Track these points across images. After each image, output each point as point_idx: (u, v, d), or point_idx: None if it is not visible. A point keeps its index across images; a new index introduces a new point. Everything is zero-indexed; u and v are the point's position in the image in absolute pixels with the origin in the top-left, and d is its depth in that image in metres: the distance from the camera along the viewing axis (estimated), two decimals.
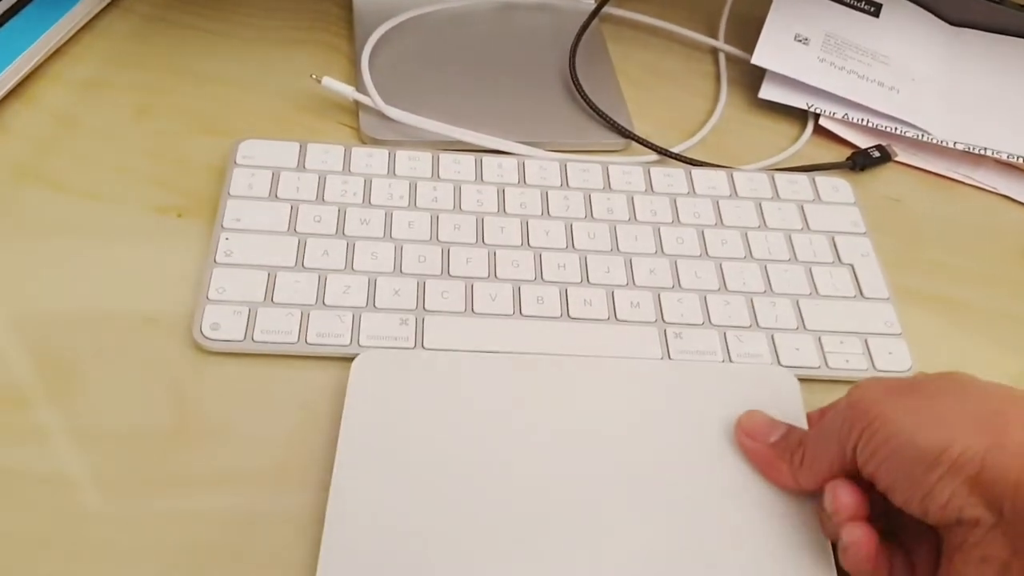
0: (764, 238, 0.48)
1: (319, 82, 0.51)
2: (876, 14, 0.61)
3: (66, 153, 0.48)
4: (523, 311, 0.43)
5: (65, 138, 0.49)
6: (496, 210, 0.47)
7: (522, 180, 0.48)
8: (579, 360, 0.40)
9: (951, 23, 0.62)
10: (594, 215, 0.47)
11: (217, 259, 0.42)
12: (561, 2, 0.61)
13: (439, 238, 0.45)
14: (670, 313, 0.44)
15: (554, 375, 0.39)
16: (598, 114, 0.53)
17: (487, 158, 0.49)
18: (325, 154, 0.48)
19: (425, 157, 0.49)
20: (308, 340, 0.40)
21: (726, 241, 0.47)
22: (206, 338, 0.40)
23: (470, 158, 0.49)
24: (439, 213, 0.46)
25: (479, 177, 0.48)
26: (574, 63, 0.56)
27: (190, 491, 0.36)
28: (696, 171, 0.51)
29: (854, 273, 0.47)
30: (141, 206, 0.46)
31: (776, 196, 0.50)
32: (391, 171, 0.48)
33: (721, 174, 0.51)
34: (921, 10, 0.62)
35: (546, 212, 0.47)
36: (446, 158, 0.49)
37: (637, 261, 0.46)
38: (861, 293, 0.46)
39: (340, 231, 0.45)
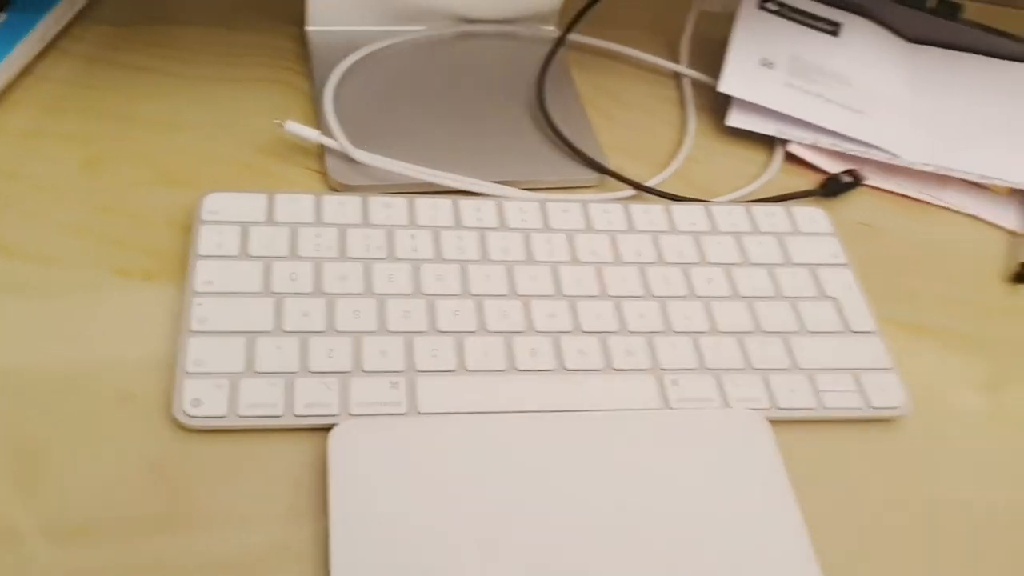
0: (747, 274, 0.47)
1: (282, 126, 0.49)
2: (836, 33, 0.61)
3: (10, 212, 0.45)
4: (517, 365, 0.41)
5: (7, 195, 0.46)
6: (479, 257, 0.45)
7: (502, 223, 0.47)
8: (543, 416, 0.40)
9: (909, 40, 0.63)
10: (578, 257, 0.46)
11: (192, 327, 0.40)
12: (522, 29, 0.60)
13: (422, 291, 0.43)
14: (665, 359, 0.43)
15: (523, 436, 0.38)
16: (572, 149, 0.52)
17: (463, 201, 0.48)
18: (294, 204, 0.45)
19: (400, 203, 0.47)
20: (295, 412, 0.38)
21: (711, 279, 0.47)
22: (187, 416, 0.37)
23: (447, 202, 0.47)
24: (420, 263, 0.44)
25: (458, 222, 0.47)
26: (543, 96, 0.55)
27: None
28: (674, 206, 0.50)
29: (838, 307, 0.47)
30: (102, 269, 0.43)
31: (755, 229, 0.50)
32: (365, 219, 0.46)
33: (699, 208, 0.50)
34: (879, 27, 0.62)
35: (530, 257, 0.46)
36: (422, 203, 0.47)
37: (626, 305, 0.45)
38: (848, 327, 0.46)
39: (318, 289, 0.42)
